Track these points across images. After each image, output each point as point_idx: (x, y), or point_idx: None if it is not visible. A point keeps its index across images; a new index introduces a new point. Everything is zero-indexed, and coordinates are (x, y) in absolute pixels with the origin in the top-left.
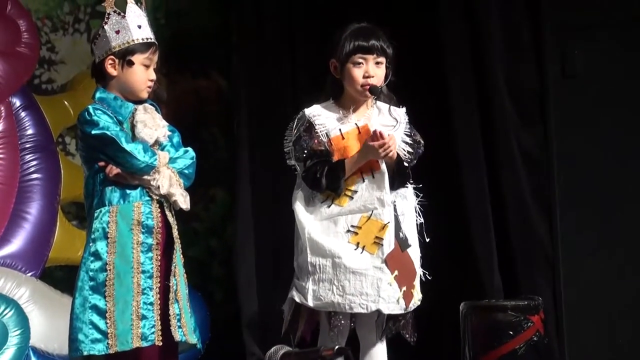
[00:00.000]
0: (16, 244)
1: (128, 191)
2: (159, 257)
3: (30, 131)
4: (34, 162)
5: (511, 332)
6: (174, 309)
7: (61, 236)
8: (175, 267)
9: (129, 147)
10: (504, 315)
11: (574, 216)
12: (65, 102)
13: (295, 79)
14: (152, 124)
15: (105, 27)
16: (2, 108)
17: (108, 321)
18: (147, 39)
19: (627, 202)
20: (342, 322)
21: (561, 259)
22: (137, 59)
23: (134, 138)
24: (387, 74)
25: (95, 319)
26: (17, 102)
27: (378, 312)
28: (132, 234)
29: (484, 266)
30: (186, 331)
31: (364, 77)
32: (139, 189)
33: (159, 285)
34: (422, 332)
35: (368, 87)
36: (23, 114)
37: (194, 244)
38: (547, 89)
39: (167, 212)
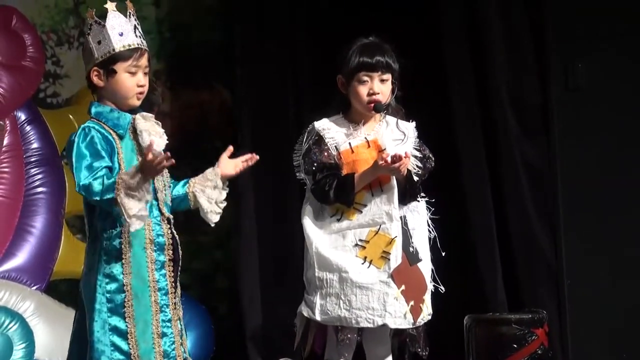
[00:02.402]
0: (21, 257)
1: None
2: (171, 274)
3: (35, 145)
4: (39, 176)
5: (515, 346)
6: (180, 326)
7: (66, 250)
8: (179, 284)
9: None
10: (508, 328)
11: (577, 228)
12: (70, 116)
13: (298, 92)
14: (154, 132)
15: (89, 38)
16: (7, 122)
17: (130, 342)
18: (128, 45)
19: (630, 214)
20: (349, 336)
21: (565, 271)
22: (120, 67)
23: (139, 148)
24: (393, 89)
25: (117, 340)
26: (22, 115)
27: (385, 326)
28: (146, 253)
29: (488, 279)
30: (187, 347)
31: (369, 94)
32: (147, 207)
33: (174, 301)
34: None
35: (372, 104)
36: (28, 128)
37: (198, 257)
38: (550, 101)
39: (174, 230)
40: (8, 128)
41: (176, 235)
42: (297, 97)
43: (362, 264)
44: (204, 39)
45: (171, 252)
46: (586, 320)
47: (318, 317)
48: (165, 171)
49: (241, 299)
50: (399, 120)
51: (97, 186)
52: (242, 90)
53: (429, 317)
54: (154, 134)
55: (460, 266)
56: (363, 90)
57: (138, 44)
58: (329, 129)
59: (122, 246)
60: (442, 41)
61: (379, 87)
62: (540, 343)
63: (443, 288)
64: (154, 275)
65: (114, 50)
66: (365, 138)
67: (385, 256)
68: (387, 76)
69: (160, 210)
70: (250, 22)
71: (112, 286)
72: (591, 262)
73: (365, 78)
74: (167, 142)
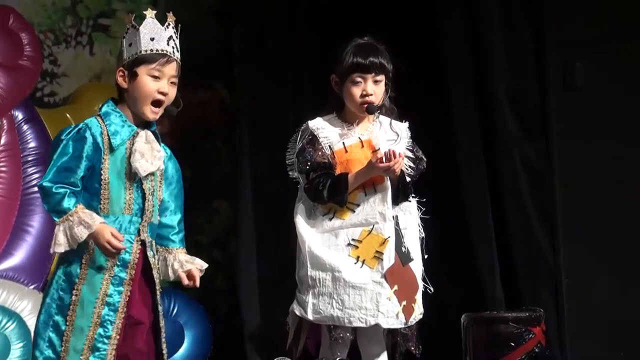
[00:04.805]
0: (18, 256)
1: (110, 222)
2: (129, 293)
3: (32, 144)
4: (36, 175)
5: (512, 344)
6: (162, 347)
7: None
8: (161, 306)
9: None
10: (505, 326)
11: (575, 227)
12: (68, 115)
13: (298, 91)
14: (149, 156)
15: (123, 41)
16: (4, 121)
17: (63, 345)
18: (156, 50)
19: (629, 214)
20: (342, 335)
21: (563, 270)
22: (142, 69)
23: (128, 165)
24: (386, 90)
25: (54, 338)
26: (19, 115)
27: (378, 326)
28: (107, 265)
29: (486, 278)
30: None
31: (362, 95)
32: (124, 222)
33: (122, 319)
34: (424, 344)
35: (365, 106)
36: (25, 127)
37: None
38: (549, 101)
39: (149, 252)
40: (5, 127)
41: (151, 259)
42: (296, 97)
43: (355, 263)
44: (202, 39)
45: (134, 272)
46: (583, 319)
47: (310, 317)
48: (159, 191)
49: (240, 299)
50: (392, 121)
51: (53, 198)
52: (241, 90)
53: (421, 316)
54: (148, 159)
55: (459, 265)
56: (356, 92)
57: (166, 51)
58: (322, 128)
59: (87, 251)
60: (441, 41)
61: (372, 88)
62: (538, 341)
63: (432, 289)
64: (107, 288)
65: (140, 52)
66: (359, 138)
67: (379, 256)
68: (381, 77)
69: (139, 230)
70: (249, 22)
71: (66, 285)
72: (589, 261)
73: (359, 79)
74: (159, 168)
